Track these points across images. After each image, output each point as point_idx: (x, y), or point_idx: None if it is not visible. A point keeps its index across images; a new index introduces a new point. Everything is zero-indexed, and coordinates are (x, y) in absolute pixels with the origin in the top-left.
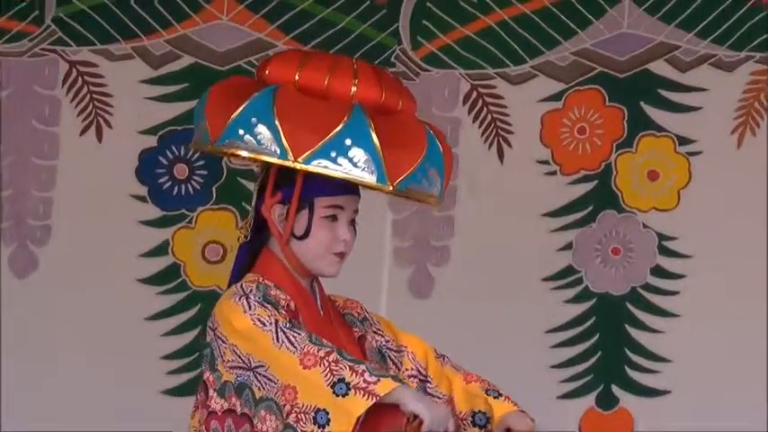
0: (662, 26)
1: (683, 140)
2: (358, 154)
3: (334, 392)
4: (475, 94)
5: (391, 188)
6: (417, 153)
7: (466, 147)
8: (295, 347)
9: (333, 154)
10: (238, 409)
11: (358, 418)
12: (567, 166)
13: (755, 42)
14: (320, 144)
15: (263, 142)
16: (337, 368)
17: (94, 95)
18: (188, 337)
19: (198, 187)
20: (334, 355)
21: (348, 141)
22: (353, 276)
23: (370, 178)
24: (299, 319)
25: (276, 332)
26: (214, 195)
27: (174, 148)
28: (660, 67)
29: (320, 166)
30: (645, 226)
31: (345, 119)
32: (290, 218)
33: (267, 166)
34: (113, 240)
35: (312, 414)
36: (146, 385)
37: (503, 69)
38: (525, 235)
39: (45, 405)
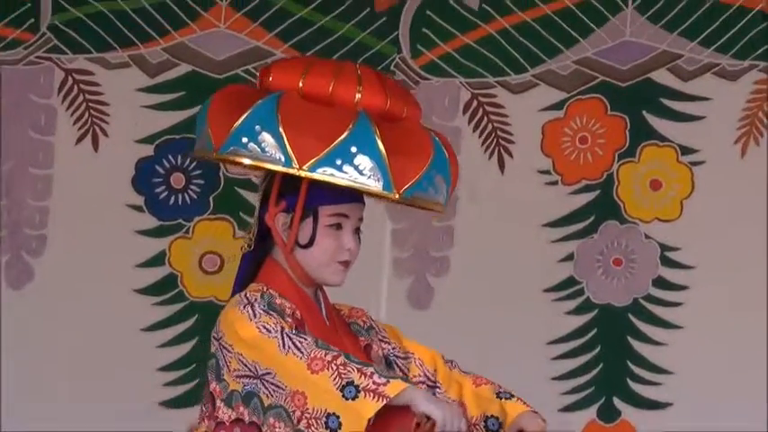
0: (665, 35)
1: (686, 150)
2: (363, 161)
3: (343, 396)
4: (475, 102)
5: (397, 196)
6: (423, 160)
7: (466, 156)
8: (302, 353)
9: (338, 161)
10: (247, 418)
11: (368, 420)
12: (569, 175)
13: (759, 51)
14: (325, 152)
15: (267, 150)
16: (346, 371)
17: (90, 104)
18: (185, 348)
19: (195, 197)
20: (341, 359)
21: (353, 149)
22: (352, 286)
23: (376, 186)
24: (305, 328)
25: (282, 339)
26: (211, 205)
27: (170, 158)
28: (663, 76)
29: (326, 174)
30: (647, 236)
31: (350, 126)
32: (294, 226)
33: (270, 174)
34: (109, 250)
35: (323, 419)
36: (142, 397)
37: (503, 78)
38: (526, 246)
39: (41, 415)
